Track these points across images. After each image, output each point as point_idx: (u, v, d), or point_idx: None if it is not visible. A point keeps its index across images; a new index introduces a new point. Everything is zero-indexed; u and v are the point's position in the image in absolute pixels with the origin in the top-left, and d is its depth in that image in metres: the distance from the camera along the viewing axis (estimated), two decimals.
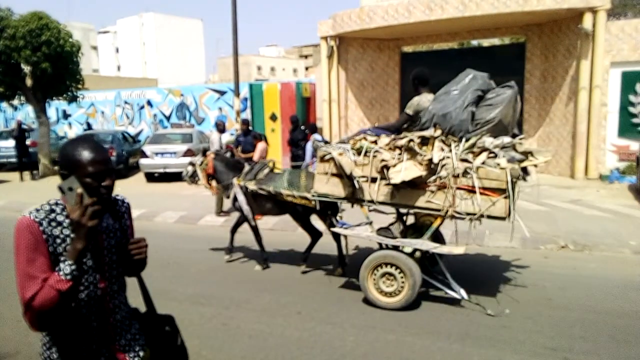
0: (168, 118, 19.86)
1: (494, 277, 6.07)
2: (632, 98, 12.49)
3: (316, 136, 10.17)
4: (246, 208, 6.56)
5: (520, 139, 5.23)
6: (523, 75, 14.37)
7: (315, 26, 15.83)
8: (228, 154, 9.88)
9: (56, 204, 1.88)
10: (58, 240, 1.82)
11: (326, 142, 7.38)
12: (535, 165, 5.22)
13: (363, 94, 16.24)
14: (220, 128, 9.83)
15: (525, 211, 9.41)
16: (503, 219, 4.79)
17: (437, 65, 15.96)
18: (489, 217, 4.79)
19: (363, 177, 5.19)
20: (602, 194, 10.82)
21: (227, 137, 11.67)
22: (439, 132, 5.05)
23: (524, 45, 14.54)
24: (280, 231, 8.85)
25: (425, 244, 5.13)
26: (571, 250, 7.14)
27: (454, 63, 15.72)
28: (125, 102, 21.16)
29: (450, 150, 4.92)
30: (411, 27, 13.93)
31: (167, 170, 14.47)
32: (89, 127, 21.77)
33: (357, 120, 16.30)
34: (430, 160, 4.84)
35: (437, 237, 5.95)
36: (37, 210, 1.83)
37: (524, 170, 5.23)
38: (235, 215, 9.64)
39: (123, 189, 13.71)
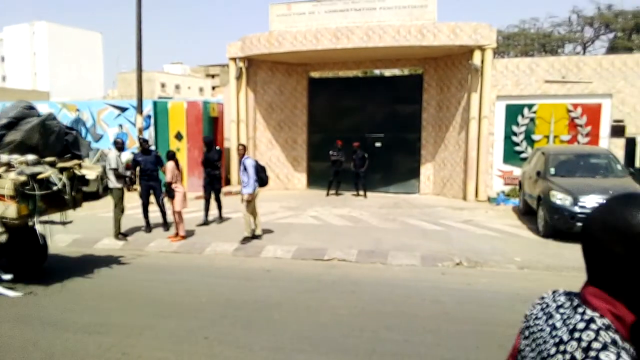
0: None
1: (397, 294, 6.35)
2: (514, 128, 13.85)
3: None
4: None
5: (66, 158, 6.70)
6: (421, 104, 15.38)
7: (223, 46, 15.84)
8: (128, 173, 9.47)
9: None
10: None
11: None
12: (62, 175, 6.45)
13: (272, 115, 16.38)
14: (119, 146, 9.32)
15: (424, 231, 10.03)
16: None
17: (343, 91, 16.69)
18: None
19: None
20: (491, 215, 11.79)
21: (127, 156, 11.16)
22: None
23: (422, 76, 15.60)
24: (185, 253, 8.57)
25: None
26: (465, 267, 7.68)
27: (359, 90, 16.54)
28: None
29: None
30: (319, 54, 14.39)
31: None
32: None
33: (265, 141, 16.37)
34: None
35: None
36: None
37: (83, 180, 6.92)
38: (135, 237, 9.25)
39: None
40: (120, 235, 9.22)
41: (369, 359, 4.51)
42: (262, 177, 8.89)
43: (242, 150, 9.29)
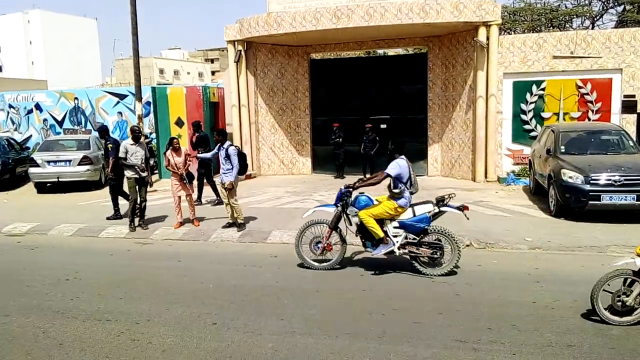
0: (60, 123, 18.40)
1: (407, 276, 6.26)
2: (523, 106, 13.60)
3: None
4: None
5: None
6: (426, 84, 15.13)
7: (221, 29, 15.55)
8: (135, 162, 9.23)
9: None
10: None
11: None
12: None
13: (273, 99, 16.18)
14: (135, 134, 9.04)
15: None
16: None
17: (345, 72, 16.44)
18: None
19: None
20: (501, 195, 11.64)
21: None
22: None
23: (426, 55, 15.31)
24: (191, 241, 8.50)
25: None
26: (475, 248, 7.58)
27: (362, 71, 16.29)
28: (10, 106, 19.27)
29: None
30: (319, 34, 14.12)
31: (62, 179, 13.36)
32: None
33: (268, 126, 16.20)
34: None
35: None
36: None
37: None
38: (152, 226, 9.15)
39: (10, 201, 12.56)
40: (131, 224, 9.03)
41: (379, 341, 4.44)
42: (242, 165, 8.76)
43: (220, 139, 8.89)
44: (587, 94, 13.15)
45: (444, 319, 4.90)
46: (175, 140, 9.14)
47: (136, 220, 9.11)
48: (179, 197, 9.06)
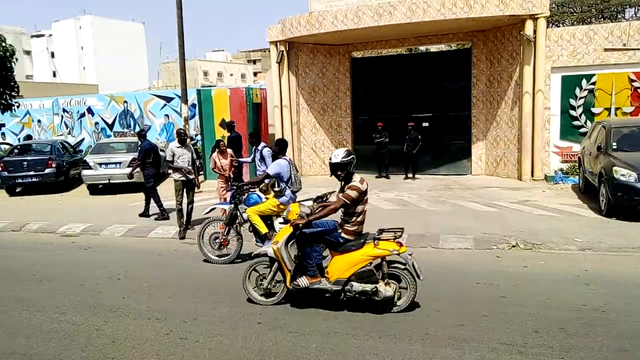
0: (111, 126, 19.15)
1: (450, 278, 6.19)
2: (572, 102, 13.13)
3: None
4: None
5: None
6: (470, 80, 14.84)
7: (263, 31, 15.78)
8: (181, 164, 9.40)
9: None
10: None
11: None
12: None
13: (315, 99, 16.28)
14: (181, 138, 9.11)
15: (477, 212, 9.73)
16: None
17: (387, 70, 16.35)
18: None
19: None
20: (548, 194, 11.29)
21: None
22: None
23: (470, 51, 15.02)
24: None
25: None
26: (521, 249, 7.38)
27: (404, 68, 16.14)
28: (64, 110, 20.21)
29: None
30: (360, 32, 14.09)
31: (112, 181, 13.91)
32: (29, 137, 20.69)
33: (309, 126, 16.31)
34: None
35: None
36: None
37: None
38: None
39: (65, 202, 13.18)
40: (180, 229, 8.99)
41: (423, 343, 4.42)
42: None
43: (254, 141, 8.85)
44: None
45: (488, 322, 4.81)
46: (221, 143, 9.30)
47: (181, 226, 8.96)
48: (226, 199, 9.07)
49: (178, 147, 8.97)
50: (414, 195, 11.81)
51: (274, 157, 7.69)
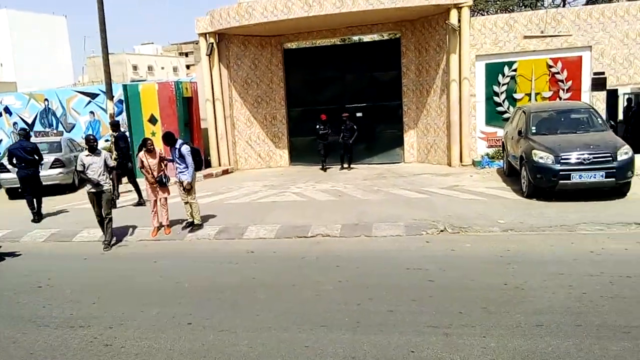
0: (31, 126, 18.01)
1: (382, 265, 6.31)
2: (495, 88, 13.72)
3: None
4: None
5: None
6: (400, 69, 15.14)
7: (193, 23, 15.31)
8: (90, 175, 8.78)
9: None
10: None
11: None
12: None
13: (248, 92, 16.05)
14: (90, 144, 8.24)
15: (409, 200, 9.98)
16: None
17: (320, 61, 16.36)
18: None
19: None
20: (475, 179, 11.75)
21: (100, 144, 10.97)
22: None
23: (399, 40, 15.31)
24: (166, 240, 8.43)
25: None
26: (449, 233, 7.64)
27: (336, 59, 16.21)
28: None
29: None
30: (291, 23, 14.00)
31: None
32: None
33: (243, 119, 16.08)
34: None
35: None
36: None
37: None
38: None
39: None
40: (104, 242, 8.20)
41: (353, 332, 4.47)
42: (197, 161, 8.76)
43: (170, 143, 8.44)
44: (558, 73, 13.32)
45: (417, 306, 4.95)
46: (149, 142, 8.44)
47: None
48: (155, 201, 8.58)
49: (87, 156, 8.10)
50: (349, 185, 11.94)
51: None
